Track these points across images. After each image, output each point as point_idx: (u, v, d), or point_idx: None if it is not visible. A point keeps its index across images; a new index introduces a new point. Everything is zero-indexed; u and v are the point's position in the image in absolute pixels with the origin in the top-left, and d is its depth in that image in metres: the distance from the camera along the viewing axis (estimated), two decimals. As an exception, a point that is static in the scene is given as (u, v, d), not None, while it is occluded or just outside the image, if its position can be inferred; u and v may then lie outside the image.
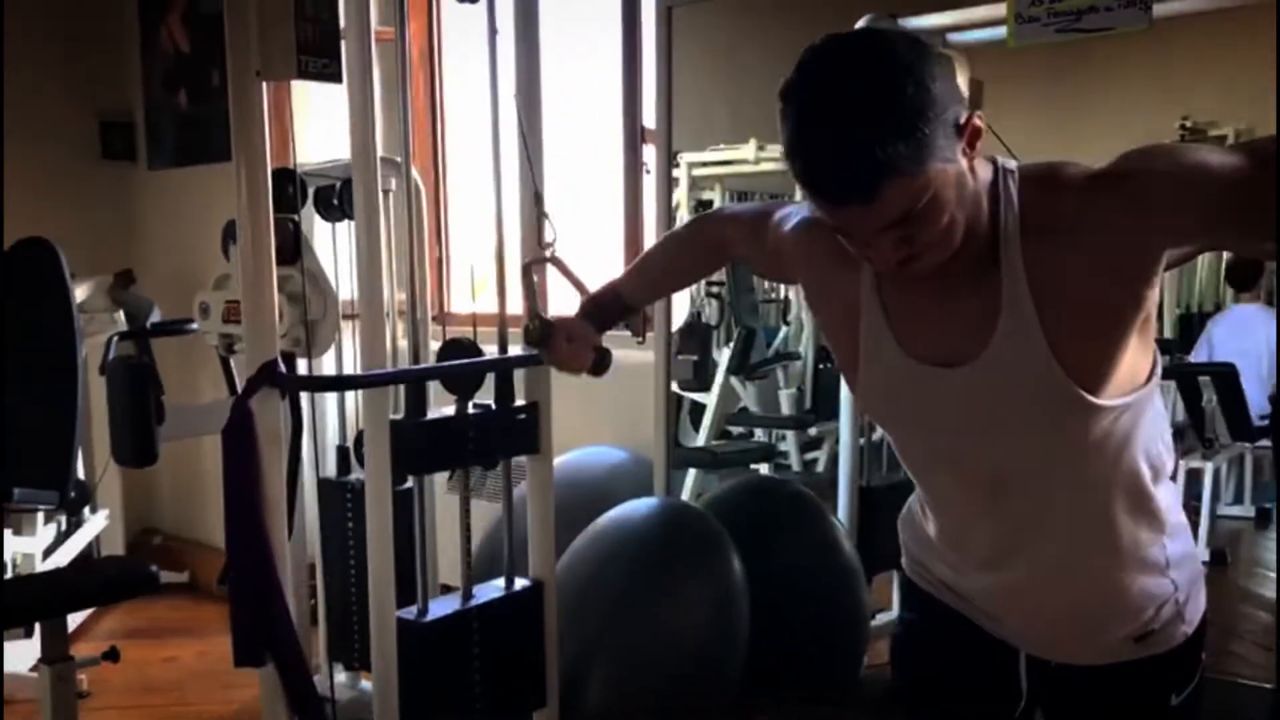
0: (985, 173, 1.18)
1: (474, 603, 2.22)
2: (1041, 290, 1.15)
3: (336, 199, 2.92)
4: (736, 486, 3.13)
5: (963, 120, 1.10)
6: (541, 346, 1.87)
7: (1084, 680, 1.37)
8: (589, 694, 2.50)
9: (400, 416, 2.12)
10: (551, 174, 2.21)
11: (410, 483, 2.88)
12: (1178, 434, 4.27)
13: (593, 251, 3.88)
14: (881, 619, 3.45)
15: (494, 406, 2.22)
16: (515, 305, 2.26)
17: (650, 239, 3.74)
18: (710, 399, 5.47)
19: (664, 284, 1.89)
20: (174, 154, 4.14)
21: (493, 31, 2.15)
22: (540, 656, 2.32)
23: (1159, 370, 1.26)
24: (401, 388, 2.18)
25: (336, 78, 1.92)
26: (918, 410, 1.28)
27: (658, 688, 2.52)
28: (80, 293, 3.78)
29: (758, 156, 5.18)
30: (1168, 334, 6.94)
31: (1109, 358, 1.17)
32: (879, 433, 3.64)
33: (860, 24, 3.07)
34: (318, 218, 2.98)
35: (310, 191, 2.92)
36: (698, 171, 5.61)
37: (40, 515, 3.44)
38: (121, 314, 3.78)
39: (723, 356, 5.50)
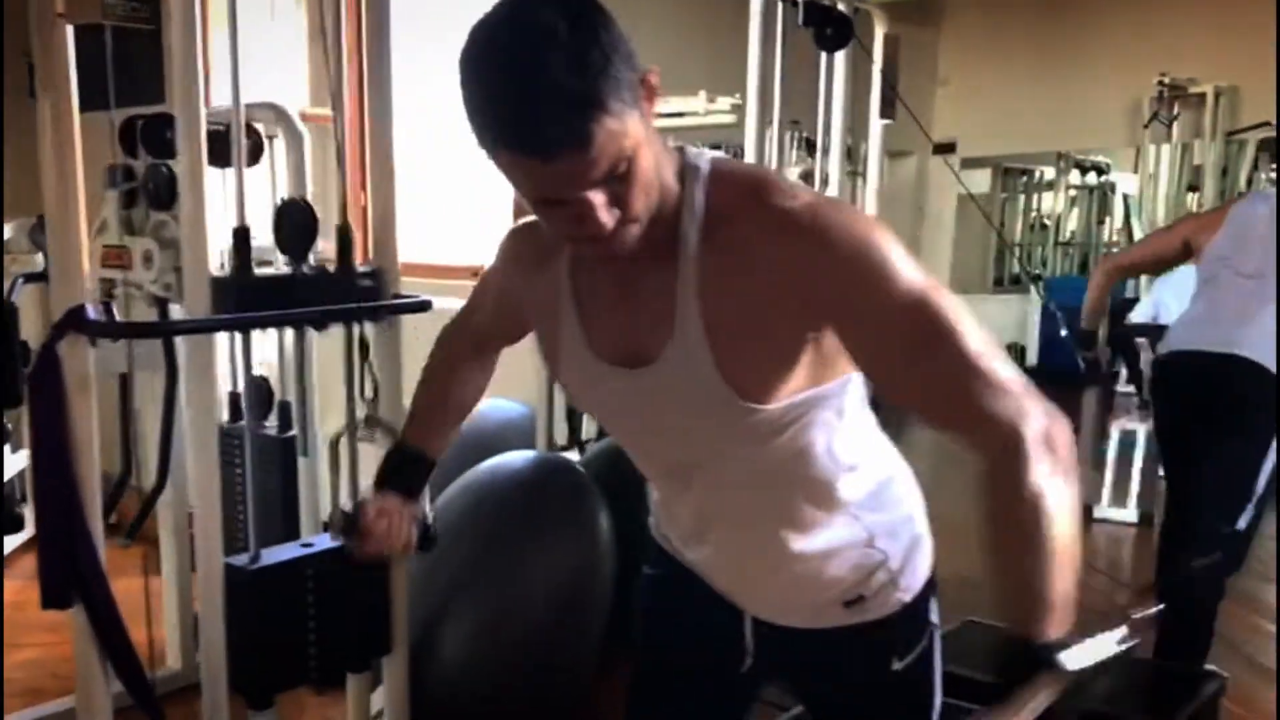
0: (671, 161, 1.15)
1: (310, 551, 2.24)
2: (711, 304, 1.13)
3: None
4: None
5: (645, 74, 1.06)
6: (351, 535, 1.59)
7: (805, 642, 1.37)
8: (445, 643, 2.52)
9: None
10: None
11: (293, 431, 2.90)
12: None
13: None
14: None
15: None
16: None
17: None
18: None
19: (447, 420, 1.64)
20: (103, 95, 4.12)
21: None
22: (384, 606, 2.34)
23: (850, 374, 1.23)
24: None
25: (149, 21, 1.91)
26: (607, 404, 1.30)
27: (516, 639, 2.54)
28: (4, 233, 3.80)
29: (707, 108, 5.15)
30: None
31: (775, 376, 1.15)
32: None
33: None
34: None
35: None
36: (650, 124, 5.57)
37: (-49, 454, 3.48)
38: (41, 255, 3.79)
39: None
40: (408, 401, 1.66)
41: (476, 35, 1.04)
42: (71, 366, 1.90)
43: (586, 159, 1.01)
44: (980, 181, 10.30)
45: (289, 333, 2.87)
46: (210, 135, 2.92)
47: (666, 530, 1.42)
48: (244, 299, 2.12)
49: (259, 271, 2.19)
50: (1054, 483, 1.07)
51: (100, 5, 1.84)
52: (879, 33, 3.47)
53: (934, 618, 1.41)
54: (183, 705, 2.54)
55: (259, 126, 3.00)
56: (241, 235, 2.16)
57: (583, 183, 1.03)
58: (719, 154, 1.18)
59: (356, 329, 2.20)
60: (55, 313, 1.91)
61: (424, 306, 2.29)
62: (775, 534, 1.29)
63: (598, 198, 1.05)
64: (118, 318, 2.98)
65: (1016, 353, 9.05)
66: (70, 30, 1.88)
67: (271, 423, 3.00)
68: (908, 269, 1.08)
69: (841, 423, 1.25)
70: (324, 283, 2.19)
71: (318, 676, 2.27)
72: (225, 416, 3.02)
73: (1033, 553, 1.08)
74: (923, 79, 9.65)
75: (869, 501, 1.30)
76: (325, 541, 2.30)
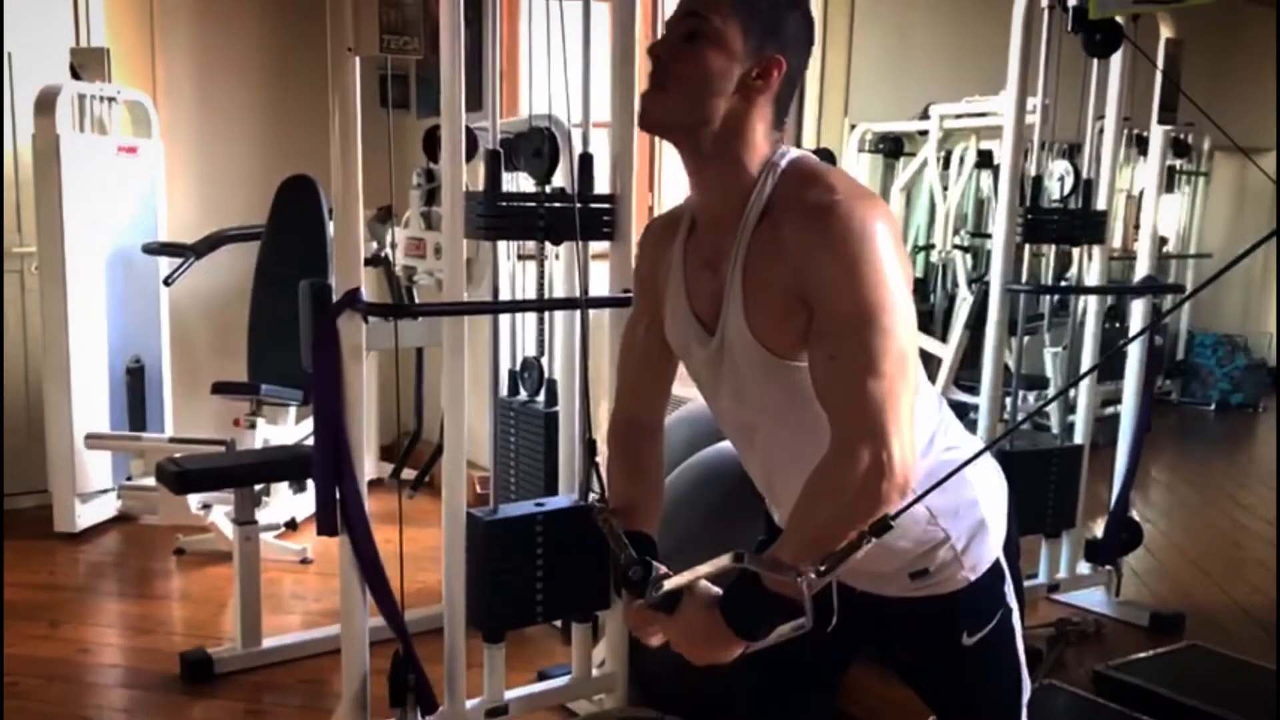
0: (765, 147, 1.34)
1: (541, 509, 2.55)
2: (750, 276, 1.32)
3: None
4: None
5: (769, 54, 1.31)
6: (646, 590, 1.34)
7: (882, 610, 1.50)
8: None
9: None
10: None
11: (557, 407, 3.23)
12: None
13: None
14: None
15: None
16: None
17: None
18: (946, 351, 5.46)
19: (653, 501, 1.56)
20: (437, 104, 4.68)
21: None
22: (606, 564, 2.62)
23: None
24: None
25: (418, 52, 2.28)
26: (694, 356, 1.47)
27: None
28: (346, 224, 4.41)
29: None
30: None
31: (795, 335, 1.30)
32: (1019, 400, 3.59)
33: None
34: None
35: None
36: (950, 124, 5.57)
37: (293, 410, 4.10)
38: (375, 243, 4.37)
39: (962, 310, 5.47)
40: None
41: None
42: (347, 338, 2.28)
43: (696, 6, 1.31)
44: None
45: (557, 320, 3.17)
46: (505, 143, 3.31)
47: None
48: (491, 212, 2.47)
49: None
50: (857, 493, 1.20)
51: (380, 41, 2.20)
52: (1163, 35, 3.34)
53: (1011, 601, 1.50)
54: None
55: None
56: (493, 157, 2.52)
57: (682, 11, 1.33)
58: (803, 153, 1.36)
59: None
60: (339, 292, 2.28)
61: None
62: None
63: (676, 33, 1.32)
64: (417, 299, 3.47)
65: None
66: (358, 61, 2.24)
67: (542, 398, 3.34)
68: (881, 279, 1.22)
69: None
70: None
71: (544, 619, 2.58)
72: (505, 390, 3.40)
73: (813, 512, 1.24)
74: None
75: (926, 480, 1.38)
76: (557, 502, 2.61)
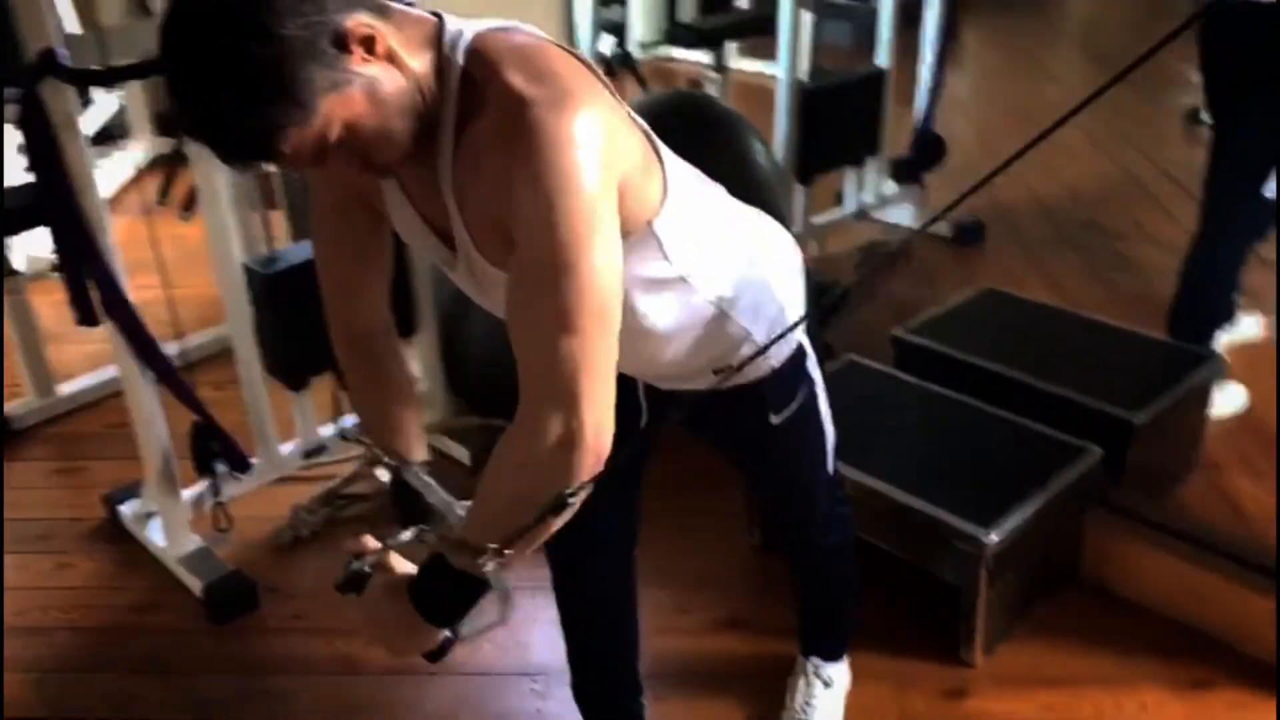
0: (424, 58, 1.08)
1: (323, 251, 2.38)
2: (463, 200, 1.13)
3: None
4: (655, 101, 3.08)
5: (343, 32, 1.00)
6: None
7: (689, 402, 1.48)
8: (470, 324, 2.67)
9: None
10: None
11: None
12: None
13: None
14: (818, 219, 3.50)
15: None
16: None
17: None
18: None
19: (403, 411, 1.41)
20: None
21: None
22: (405, 294, 2.51)
23: (649, 221, 1.19)
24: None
25: None
26: (452, 274, 1.28)
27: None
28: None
29: None
30: None
31: None
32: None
33: None
34: None
35: None
36: None
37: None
38: None
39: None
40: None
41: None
42: (57, 111, 1.97)
43: (289, 158, 1.03)
44: None
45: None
46: None
47: None
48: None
49: None
50: (544, 468, 1.05)
51: None
52: None
53: (814, 373, 1.51)
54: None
55: None
56: None
57: (307, 163, 1.05)
58: (483, 29, 1.10)
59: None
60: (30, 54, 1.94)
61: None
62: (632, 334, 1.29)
63: (334, 161, 1.06)
64: None
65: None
66: None
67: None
68: (579, 206, 1.02)
69: (660, 252, 1.23)
70: None
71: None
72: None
73: (498, 488, 1.09)
74: None
75: (736, 288, 1.34)
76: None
